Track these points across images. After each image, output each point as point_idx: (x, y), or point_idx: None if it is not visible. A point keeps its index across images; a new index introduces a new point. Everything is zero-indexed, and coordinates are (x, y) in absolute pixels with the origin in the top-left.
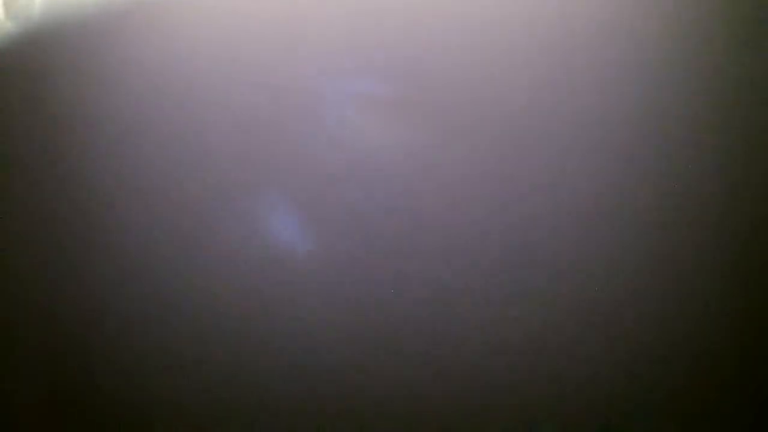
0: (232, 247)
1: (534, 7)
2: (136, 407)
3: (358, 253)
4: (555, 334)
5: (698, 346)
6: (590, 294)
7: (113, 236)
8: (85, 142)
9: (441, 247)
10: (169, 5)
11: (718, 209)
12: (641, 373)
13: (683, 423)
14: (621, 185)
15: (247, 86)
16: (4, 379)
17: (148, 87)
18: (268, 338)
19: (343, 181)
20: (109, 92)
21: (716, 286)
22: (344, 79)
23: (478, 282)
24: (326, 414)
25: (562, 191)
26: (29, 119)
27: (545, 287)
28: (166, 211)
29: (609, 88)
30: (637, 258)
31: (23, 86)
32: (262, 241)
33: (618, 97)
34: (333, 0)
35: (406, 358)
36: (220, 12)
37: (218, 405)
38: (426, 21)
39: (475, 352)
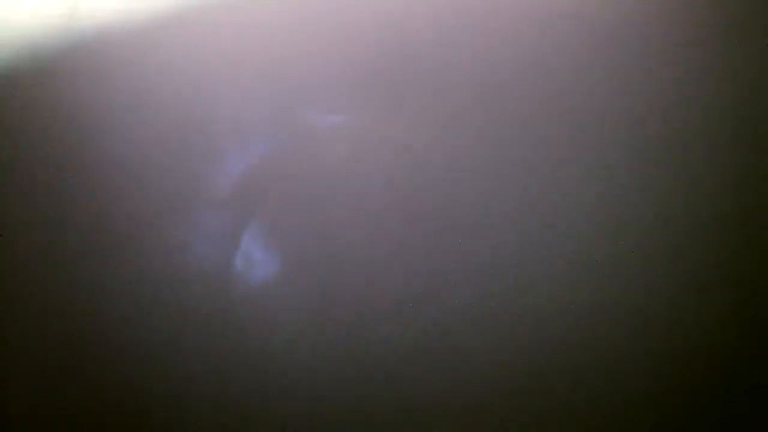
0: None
1: (535, 7)
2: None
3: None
4: (552, 334)
5: (699, 345)
6: (590, 291)
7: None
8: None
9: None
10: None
11: (720, 208)
12: (647, 372)
13: (684, 422)
14: (621, 183)
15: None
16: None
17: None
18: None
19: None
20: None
21: (718, 283)
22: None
23: (477, 283)
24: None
25: (562, 192)
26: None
27: (544, 287)
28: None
29: (607, 85)
30: (638, 257)
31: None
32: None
33: (617, 95)
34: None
35: (403, 359)
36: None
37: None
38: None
39: (472, 352)
